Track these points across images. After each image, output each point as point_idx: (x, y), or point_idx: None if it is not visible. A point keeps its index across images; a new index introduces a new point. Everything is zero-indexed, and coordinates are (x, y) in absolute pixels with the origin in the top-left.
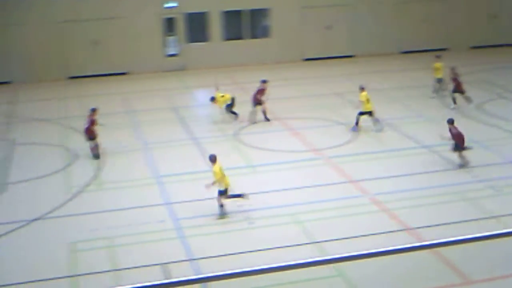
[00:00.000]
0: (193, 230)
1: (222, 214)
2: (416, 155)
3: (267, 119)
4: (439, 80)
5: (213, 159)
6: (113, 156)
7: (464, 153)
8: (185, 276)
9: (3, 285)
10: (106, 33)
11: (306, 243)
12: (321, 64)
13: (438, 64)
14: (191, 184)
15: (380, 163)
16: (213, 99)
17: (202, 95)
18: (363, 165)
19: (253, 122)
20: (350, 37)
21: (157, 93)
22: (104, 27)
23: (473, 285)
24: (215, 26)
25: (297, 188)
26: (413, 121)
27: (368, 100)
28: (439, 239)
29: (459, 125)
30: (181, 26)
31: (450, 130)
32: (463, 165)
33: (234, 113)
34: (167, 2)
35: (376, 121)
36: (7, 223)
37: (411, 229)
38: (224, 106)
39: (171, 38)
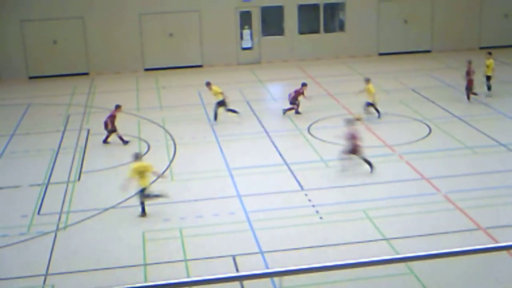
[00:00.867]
0: (263, 223)
1: (142, 213)
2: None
3: (298, 112)
4: (488, 78)
5: (136, 156)
6: (186, 148)
7: None
8: (256, 270)
9: (76, 271)
10: (182, 26)
11: (378, 239)
12: (396, 58)
13: (489, 61)
14: (263, 177)
15: (455, 161)
16: (208, 84)
17: (275, 89)
18: (437, 162)
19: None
20: (428, 32)
21: (231, 86)
22: (180, 20)
23: None
24: (291, 20)
25: (365, 185)
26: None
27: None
28: None
29: None
30: (256, 19)
31: None
32: None
33: (233, 111)
34: None
35: (372, 113)
36: (82, 211)
37: (486, 228)
38: (215, 103)
39: (246, 31)
